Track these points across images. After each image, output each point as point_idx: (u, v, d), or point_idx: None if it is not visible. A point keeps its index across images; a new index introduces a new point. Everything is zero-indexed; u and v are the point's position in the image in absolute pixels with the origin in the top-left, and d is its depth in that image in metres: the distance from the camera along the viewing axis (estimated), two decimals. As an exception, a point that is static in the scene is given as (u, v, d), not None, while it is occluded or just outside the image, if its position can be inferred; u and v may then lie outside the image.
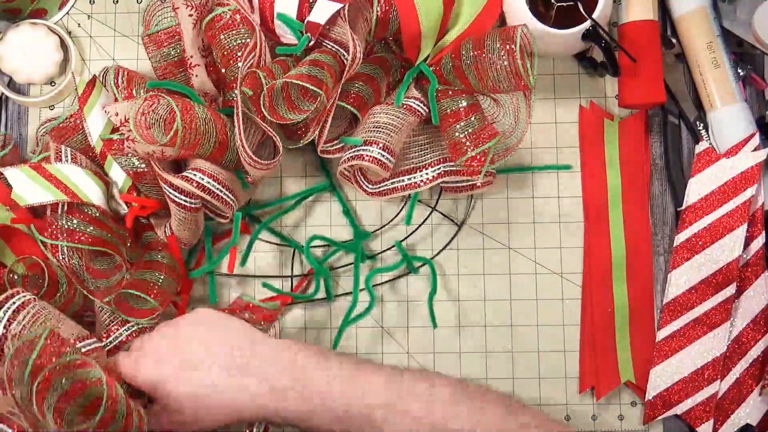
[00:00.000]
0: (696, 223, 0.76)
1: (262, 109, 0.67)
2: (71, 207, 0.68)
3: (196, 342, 0.65)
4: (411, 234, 0.79)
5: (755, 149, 0.75)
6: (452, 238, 0.79)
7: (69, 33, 0.81)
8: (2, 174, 0.69)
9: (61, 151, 0.70)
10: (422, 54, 0.72)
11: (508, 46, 0.66)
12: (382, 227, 0.79)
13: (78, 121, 0.71)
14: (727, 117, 0.76)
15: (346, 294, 0.78)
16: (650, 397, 0.75)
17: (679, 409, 0.74)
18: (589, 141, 0.79)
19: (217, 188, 0.68)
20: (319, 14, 0.68)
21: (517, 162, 0.79)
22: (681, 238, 0.77)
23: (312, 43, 0.70)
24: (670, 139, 0.79)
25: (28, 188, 0.67)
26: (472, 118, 0.71)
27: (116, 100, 0.70)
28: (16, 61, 0.78)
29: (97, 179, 0.69)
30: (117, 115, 0.66)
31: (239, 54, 0.69)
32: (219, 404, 0.63)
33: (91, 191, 0.68)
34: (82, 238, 0.67)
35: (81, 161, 0.70)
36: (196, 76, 0.72)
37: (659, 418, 0.75)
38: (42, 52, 0.78)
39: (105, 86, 0.72)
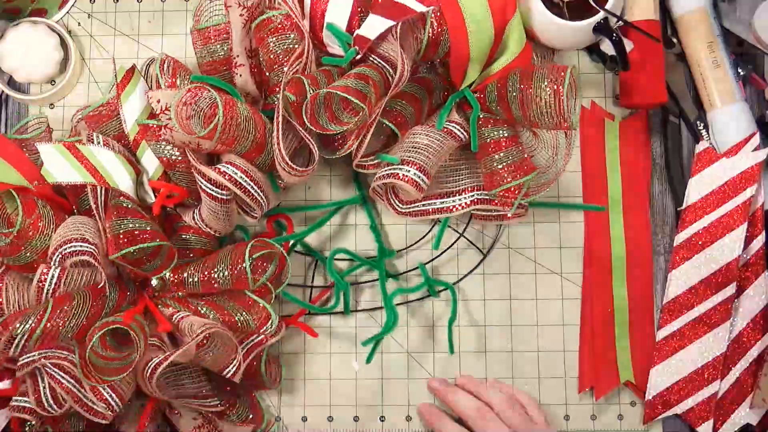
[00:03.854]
0: (696, 223, 0.76)
1: (304, 117, 0.66)
2: (119, 210, 0.67)
3: None
4: (436, 258, 0.79)
5: (755, 149, 0.75)
6: (477, 266, 0.79)
7: (69, 32, 0.80)
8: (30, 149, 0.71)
9: (93, 137, 0.69)
10: (468, 79, 0.71)
11: (555, 86, 0.65)
12: (407, 247, 0.79)
13: (113, 108, 0.72)
14: (727, 116, 0.76)
15: (365, 310, 0.78)
16: (650, 397, 0.75)
17: (679, 408, 0.74)
18: (590, 141, 0.79)
19: (250, 185, 0.67)
20: (370, 29, 0.68)
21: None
22: (681, 238, 0.77)
23: (359, 57, 0.70)
24: (670, 139, 0.79)
25: (59, 166, 0.68)
26: (512, 150, 0.70)
27: (159, 87, 0.70)
28: (17, 60, 0.78)
29: (128, 165, 0.69)
30: (159, 102, 0.66)
31: (285, 59, 0.69)
32: None
33: (121, 176, 0.68)
34: (145, 236, 0.66)
35: (113, 146, 0.70)
36: (240, 75, 0.71)
37: (659, 417, 0.75)
38: (42, 51, 0.78)
39: (145, 77, 0.72)
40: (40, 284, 0.65)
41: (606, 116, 0.79)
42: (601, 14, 0.72)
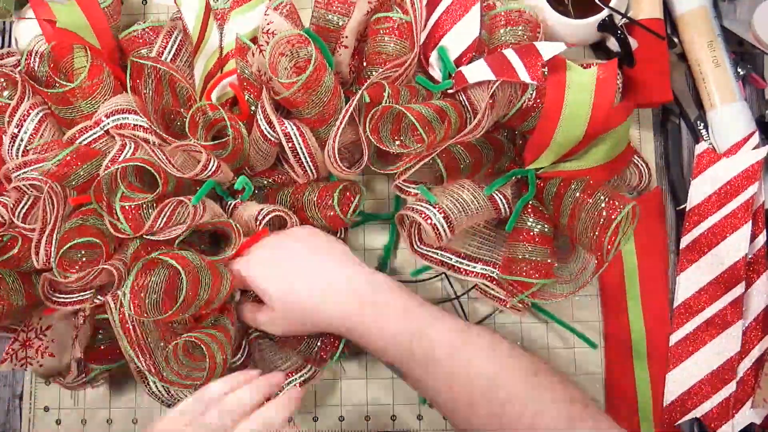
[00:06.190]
0: (700, 224, 0.76)
1: (367, 125, 0.65)
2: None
3: (300, 253, 0.67)
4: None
5: (755, 147, 0.75)
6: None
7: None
8: None
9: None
10: (538, 163, 0.70)
11: (611, 213, 0.63)
12: (407, 282, 0.76)
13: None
14: (727, 115, 0.76)
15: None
16: (668, 403, 0.74)
17: (698, 412, 0.74)
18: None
19: (304, 154, 0.69)
20: (473, 73, 0.66)
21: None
22: (686, 240, 0.76)
23: (451, 91, 0.69)
24: (670, 139, 0.78)
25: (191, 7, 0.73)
26: (541, 249, 0.68)
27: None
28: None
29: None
30: (270, 23, 0.66)
31: (387, 60, 0.69)
32: (309, 309, 0.65)
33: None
34: None
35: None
36: (340, 54, 0.71)
37: (678, 423, 0.74)
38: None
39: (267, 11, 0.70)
40: (76, 136, 0.68)
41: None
42: (606, 12, 0.71)
